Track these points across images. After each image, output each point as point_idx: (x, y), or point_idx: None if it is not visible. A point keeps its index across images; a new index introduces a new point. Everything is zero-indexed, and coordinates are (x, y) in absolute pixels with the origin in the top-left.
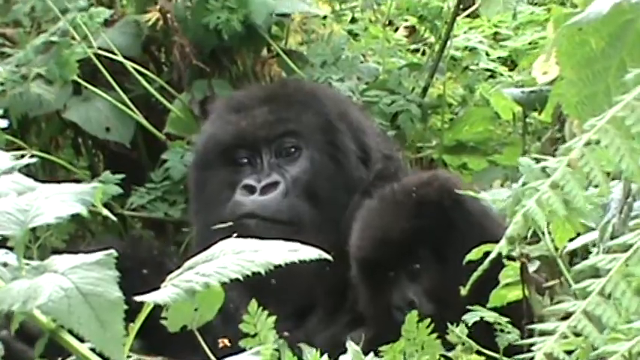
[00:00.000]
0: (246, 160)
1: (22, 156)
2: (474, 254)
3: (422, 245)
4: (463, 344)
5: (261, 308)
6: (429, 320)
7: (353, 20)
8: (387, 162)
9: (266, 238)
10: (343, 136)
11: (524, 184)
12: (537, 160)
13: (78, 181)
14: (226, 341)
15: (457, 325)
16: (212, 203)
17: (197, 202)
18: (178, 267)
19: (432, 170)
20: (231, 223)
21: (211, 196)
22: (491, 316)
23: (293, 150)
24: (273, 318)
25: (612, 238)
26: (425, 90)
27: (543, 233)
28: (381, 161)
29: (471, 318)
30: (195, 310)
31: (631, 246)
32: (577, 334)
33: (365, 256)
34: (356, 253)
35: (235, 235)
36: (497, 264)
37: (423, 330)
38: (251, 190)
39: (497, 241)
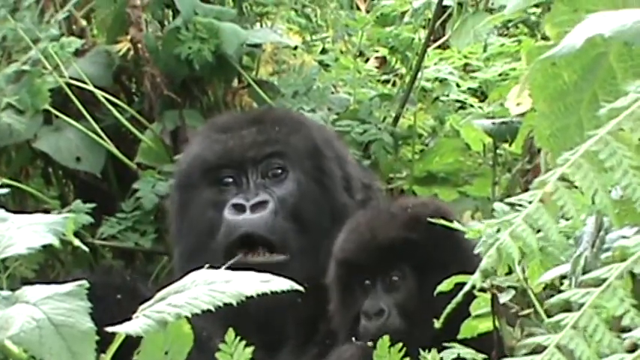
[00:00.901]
0: (231, 180)
1: None
2: (445, 285)
3: (405, 259)
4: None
5: (238, 338)
6: (400, 345)
7: (324, 51)
8: (368, 191)
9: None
10: (329, 161)
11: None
12: (509, 196)
13: (48, 210)
14: None
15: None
16: (197, 224)
17: (180, 223)
18: (152, 293)
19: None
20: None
21: (196, 217)
22: (467, 353)
23: (280, 172)
24: (250, 348)
25: (584, 271)
26: (396, 120)
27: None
28: (361, 190)
29: (448, 356)
30: (166, 353)
31: (604, 280)
32: None
33: (347, 257)
34: (338, 254)
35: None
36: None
37: (395, 355)
38: (241, 208)
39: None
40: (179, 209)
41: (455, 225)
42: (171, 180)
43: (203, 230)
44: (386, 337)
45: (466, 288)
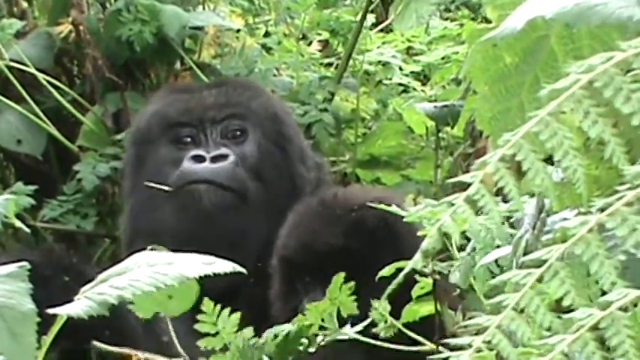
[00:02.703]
0: (189, 139)
1: None
2: (387, 271)
3: (345, 264)
4: (385, 322)
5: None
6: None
7: (267, 34)
8: (319, 171)
9: (215, 204)
10: (289, 129)
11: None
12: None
13: None
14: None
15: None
16: (153, 178)
17: (135, 178)
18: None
19: (380, 189)
20: (169, 189)
21: (152, 172)
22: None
23: (239, 133)
24: (237, 314)
25: (525, 253)
26: (331, 99)
27: (459, 249)
28: (314, 168)
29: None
30: (170, 297)
31: (545, 261)
32: (491, 349)
33: (288, 255)
34: (280, 250)
35: (182, 201)
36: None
37: (345, 291)
38: (201, 159)
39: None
40: (135, 164)
41: (401, 230)
42: (129, 135)
43: (157, 183)
44: (341, 274)
45: (407, 269)
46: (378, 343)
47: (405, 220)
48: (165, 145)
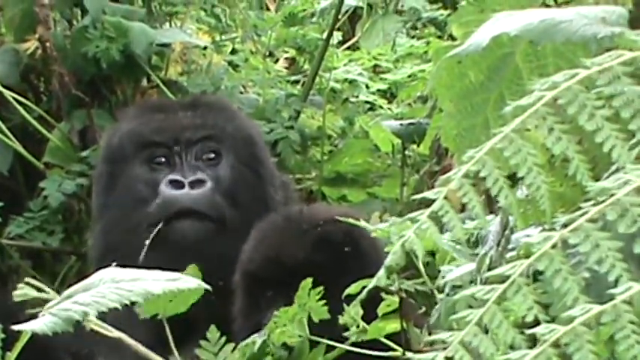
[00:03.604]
0: (164, 160)
1: None
2: (353, 288)
3: (310, 278)
4: (358, 326)
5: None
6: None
7: (233, 51)
8: (286, 190)
9: (198, 237)
10: (262, 152)
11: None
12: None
13: None
14: None
15: None
16: (125, 198)
17: (106, 196)
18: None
19: (344, 206)
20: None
21: (124, 191)
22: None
23: (213, 156)
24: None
25: (489, 270)
26: (297, 116)
27: (425, 265)
28: (281, 188)
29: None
30: (170, 301)
31: (508, 277)
32: None
33: (253, 270)
34: (245, 265)
35: (165, 235)
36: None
37: (314, 297)
38: (179, 185)
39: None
40: (106, 183)
41: (366, 246)
42: (101, 153)
43: (131, 205)
44: (309, 279)
45: (370, 285)
46: (350, 348)
47: (369, 235)
48: (139, 164)
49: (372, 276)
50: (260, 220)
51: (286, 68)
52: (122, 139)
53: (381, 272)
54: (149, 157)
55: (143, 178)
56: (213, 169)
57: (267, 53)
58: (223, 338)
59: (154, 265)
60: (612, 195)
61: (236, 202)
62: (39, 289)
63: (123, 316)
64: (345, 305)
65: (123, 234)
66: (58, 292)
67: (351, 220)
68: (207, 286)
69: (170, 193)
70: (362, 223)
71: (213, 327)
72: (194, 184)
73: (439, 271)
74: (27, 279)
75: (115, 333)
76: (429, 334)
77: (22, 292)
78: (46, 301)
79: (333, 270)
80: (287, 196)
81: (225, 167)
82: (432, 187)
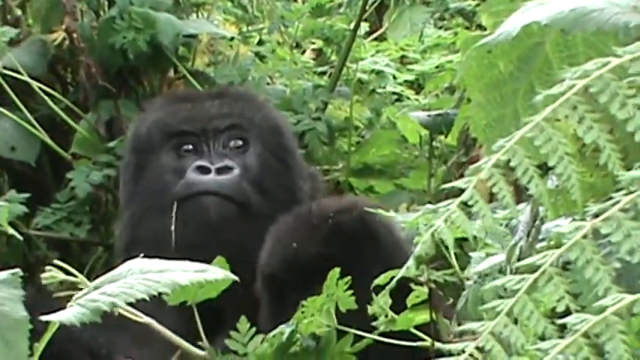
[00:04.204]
0: (191, 147)
1: None
2: (381, 279)
3: (328, 271)
4: (386, 316)
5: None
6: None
7: (260, 42)
8: (314, 181)
9: (221, 216)
10: (290, 141)
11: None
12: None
13: None
14: None
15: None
16: (154, 187)
17: (134, 186)
18: None
19: (351, 197)
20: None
21: (153, 181)
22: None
23: (241, 143)
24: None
25: (520, 260)
26: (324, 107)
27: (454, 256)
28: (308, 179)
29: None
30: (201, 287)
31: (539, 267)
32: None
33: (271, 272)
34: (264, 268)
35: (187, 212)
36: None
37: (342, 287)
38: (206, 170)
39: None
40: (134, 172)
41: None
42: (127, 142)
43: (159, 193)
44: (336, 269)
45: (400, 275)
46: (378, 338)
47: (384, 222)
48: (166, 153)
49: (393, 263)
50: (287, 209)
51: (313, 59)
52: (150, 128)
53: (410, 262)
54: (177, 146)
55: (170, 167)
56: (240, 157)
57: (295, 44)
58: (253, 329)
59: (180, 244)
60: None
61: (263, 190)
62: (67, 272)
63: (150, 307)
64: (372, 294)
65: (150, 222)
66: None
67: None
68: (235, 277)
69: (195, 177)
70: (375, 210)
71: (243, 318)
72: (221, 171)
73: (468, 262)
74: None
75: (144, 319)
76: (458, 325)
77: (50, 274)
78: (74, 287)
79: (350, 259)
80: (314, 187)
81: (253, 156)
82: (460, 178)
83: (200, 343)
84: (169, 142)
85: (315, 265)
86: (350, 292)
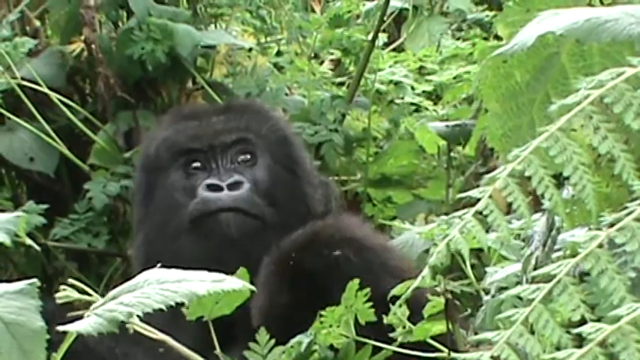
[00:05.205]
0: (200, 165)
1: None
2: (398, 289)
3: (302, 315)
4: (404, 327)
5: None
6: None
7: (278, 53)
8: (326, 189)
9: (241, 230)
10: (298, 151)
11: None
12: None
13: (0, 211)
14: None
15: None
16: (165, 208)
17: (146, 205)
18: None
19: (326, 220)
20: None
21: (164, 200)
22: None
23: (249, 157)
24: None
25: (535, 270)
26: (342, 119)
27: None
28: (320, 186)
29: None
30: (217, 303)
31: (554, 276)
32: None
33: (257, 324)
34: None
35: (207, 229)
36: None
37: (361, 298)
38: (217, 188)
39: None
40: (145, 192)
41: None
42: (137, 163)
43: (171, 212)
44: (356, 280)
45: (415, 284)
46: (397, 349)
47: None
48: (175, 172)
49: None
50: (300, 219)
51: (331, 70)
52: (158, 148)
53: (426, 271)
54: (185, 164)
55: (180, 185)
56: (249, 171)
57: (313, 55)
58: (272, 341)
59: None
60: None
61: (274, 203)
62: (81, 291)
63: (164, 319)
64: None
65: (164, 242)
66: (104, 295)
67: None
68: (253, 287)
69: (208, 195)
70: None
71: (262, 329)
72: (232, 186)
73: (485, 272)
74: (70, 280)
75: (159, 335)
76: (475, 335)
77: (64, 293)
78: (90, 302)
79: (318, 296)
80: (327, 195)
81: (262, 168)
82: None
83: (216, 352)
84: (178, 161)
85: (287, 313)
86: (369, 303)
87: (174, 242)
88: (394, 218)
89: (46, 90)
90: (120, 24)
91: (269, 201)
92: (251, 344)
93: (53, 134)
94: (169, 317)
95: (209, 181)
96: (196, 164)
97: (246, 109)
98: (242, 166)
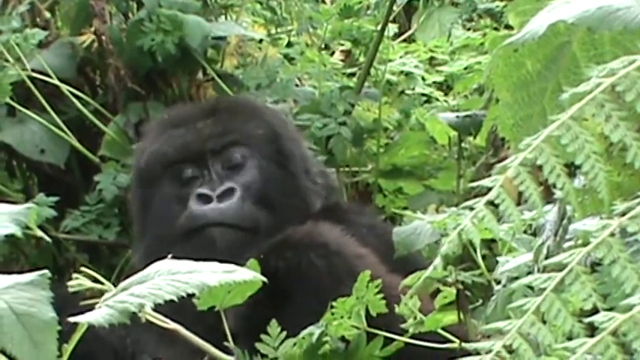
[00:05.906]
0: (192, 174)
1: None
2: (409, 280)
3: (261, 314)
4: (415, 318)
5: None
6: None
7: (289, 44)
8: (325, 178)
9: (228, 245)
10: (288, 143)
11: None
12: (473, 189)
13: (12, 203)
14: None
15: None
16: (161, 219)
17: (142, 220)
18: None
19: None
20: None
21: (159, 213)
22: None
23: (240, 160)
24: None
25: (547, 259)
26: (351, 111)
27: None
28: (319, 175)
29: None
30: (229, 292)
31: (566, 265)
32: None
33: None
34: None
35: (194, 244)
36: None
37: (372, 289)
38: (207, 199)
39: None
40: (141, 206)
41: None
42: (132, 176)
43: (166, 224)
44: (367, 272)
45: (427, 273)
46: (408, 340)
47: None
48: (168, 182)
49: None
50: (298, 213)
51: (342, 61)
52: (148, 161)
53: (438, 261)
54: (177, 174)
55: (174, 197)
56: (241, 174)
57: (323, 46)
58: (284, 333)
59: None
60: None
61: (268, 204)
62: (94, 280)
63: (173, 311)
64: None
65: (161, 254)
66: (115, 286)
67: None
68: (264, 279)
69: (197, 208)
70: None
71: (274, 322)
72: (222, 196)
73: (496, 263)
74: (82, 269)
75: (171, 325)
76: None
77: (77, 281)
78: (102, 292)
79: (283, 307)
80: (327, 185)
81: (253, 170)
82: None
83: (226, 344)
84: (169, 171)
85: (247, 312)
86: (381, 295)
87: (171, 253)
88: (405, 209)
89: (56, 81)
90: (130, 15)
91: (263, 204)
92: (262, 336)
93: (63, 126)
94: (176, 306)
95: (200, 190)
96: (188, 173)
97: (233, 109)
98: (234, 171)
